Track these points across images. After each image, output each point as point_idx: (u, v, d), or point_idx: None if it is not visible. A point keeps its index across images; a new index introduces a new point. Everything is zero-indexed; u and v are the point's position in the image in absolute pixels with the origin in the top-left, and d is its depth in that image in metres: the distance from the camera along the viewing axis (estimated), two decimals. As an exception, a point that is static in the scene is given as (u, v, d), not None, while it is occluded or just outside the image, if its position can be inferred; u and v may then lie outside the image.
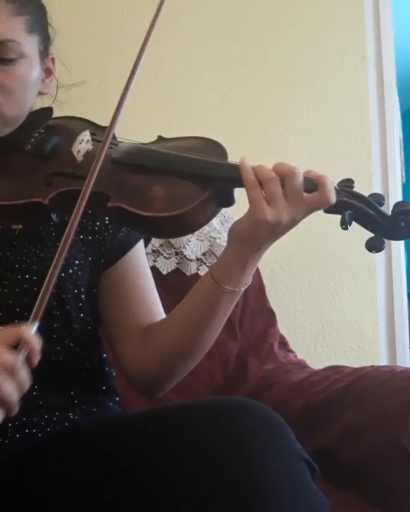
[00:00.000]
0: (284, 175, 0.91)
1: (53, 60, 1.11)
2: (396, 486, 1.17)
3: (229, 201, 0.96)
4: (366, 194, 0.94)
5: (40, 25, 1.06)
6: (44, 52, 1.08)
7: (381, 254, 2.09)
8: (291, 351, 1.72)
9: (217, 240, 1.66)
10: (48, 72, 1.10)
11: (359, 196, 0.94)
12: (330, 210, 0.94)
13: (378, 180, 2.10)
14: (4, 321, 0.98)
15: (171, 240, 1.64)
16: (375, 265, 2.06)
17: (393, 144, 2.14)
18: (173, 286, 1.53)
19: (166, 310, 1.11)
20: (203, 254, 1.66)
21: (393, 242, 2.10)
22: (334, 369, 1.47)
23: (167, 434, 0.84)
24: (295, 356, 1.70)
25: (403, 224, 0.92)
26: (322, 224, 1.92)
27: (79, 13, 1.88)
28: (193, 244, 1.65)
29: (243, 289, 1.00)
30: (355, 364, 1.50)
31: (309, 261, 2.01)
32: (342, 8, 2.11)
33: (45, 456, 0.94)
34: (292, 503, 0.77)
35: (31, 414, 1.01)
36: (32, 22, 1.03)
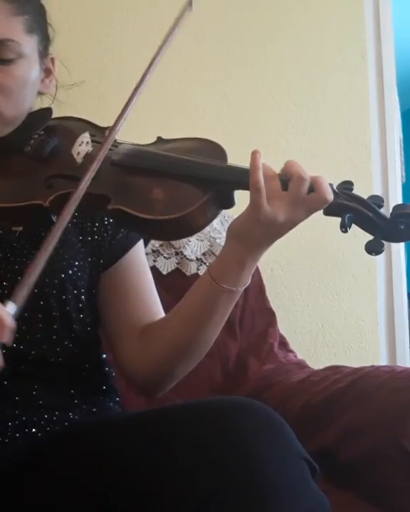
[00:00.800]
0: (292, 177, 0.91)
1: (52, 60, 1.11)
2: (396, 486, 1.17)
3: (229, 203, 0.96)
4: (365, 196, 0.94)
5: (40, 25, 1.06)
6: (43, 53, 1.07)
7: (381, 255, 2.09)
8: (291, 351, 1.72)
9: (217, 240, 1.67)
10: (47, 72, 1.10)
11: (358, 199, 0.93)
12: (330, 212, 0.94)
13: (378, 180, 2.10)
14: None
15: (171, 240, 1.64)
16: (375, 265, 2.07)
17: (393, 144, 2.14)
18: (173, 286, 1.53)
19: (167, 310, 1.11)
20: (203, 254, 1.66)
21: (394, 243, 2.10)
22: (334, 369, 1.47)
23: (167, 434, 0.84)
24: (295, 356, 1.70)
25: (402, 227, 0.92)
26: (322, 224, 1.92)
27: (79, 13, 1.88)
28: (193, 244, 1.65)
29: (241, 289, 1.00)
30: (355, 364, 1.50)
31: (309, 261, 2.01)
32: (342, 8, 2.11)
33: (45, 455, 0.94)
34: (292, 503, 0.77)
35: (31, 414, 1.01)
36: (31, 22, 1.03)
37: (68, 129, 1.04)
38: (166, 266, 1.63)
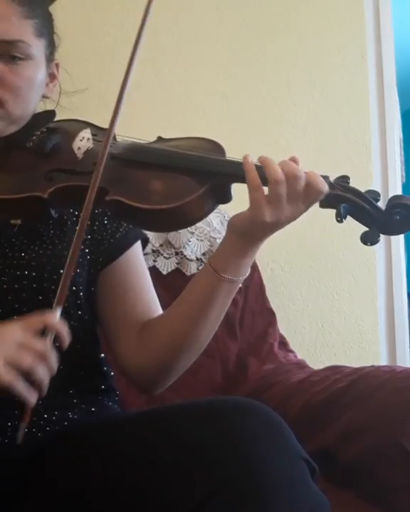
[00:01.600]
0: (288, 177, 0.92)
1: (57, 65, 1.14)
2: (396, 486, 1.17)
3: (226, 197, 0.97)
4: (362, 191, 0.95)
5: (47, 30, 1.09)
6: (50, 57, 1.10)
7: (381, 255, 2.09)
8: (291, 351, 1.72)
9: (217, 240, 1.67)
10: (52, 76, 1.13)
11: (353, 190, 0.95)
12: (326, 204, 0.95)
13: (378, 180, 2.10)
14: (3, 317, 0.99)
15: (171, 240, 1.64)
16: (375, 265, 2.06)
17: (393, 144, 2.14)
18: (173, 286, 1.53)
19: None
20: (203, 254, 1.66)
21: (394, 242, 2.11)
22: (334, 369, 1.47)
23: (167, 434, 0.84)
24: (295, 356, 1.70)
25: (398, 217, 0.93)
26: (322, 224, 1.92)
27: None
28: (193, 244, 1.66)
29: (241, 279, 1.01)
30: (355, 364, 1.50)
31: (309, 261, 2.01)
32: (342, 8, 2.11)
33: (45, 455, 0.95)
34: (292, 503, 0.77)
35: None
36: (40, 26, 1.06)
37: (70, 127, 1.07)
38: (166, 266, 1.63)
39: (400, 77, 2.27)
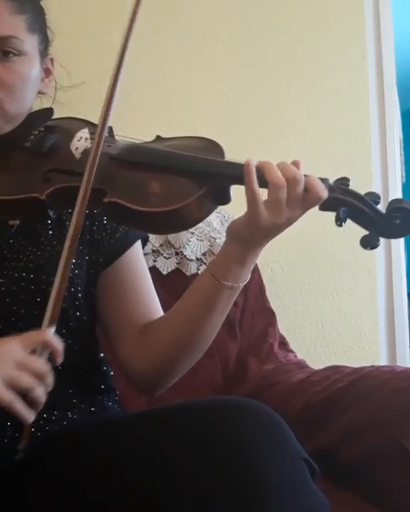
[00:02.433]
0: (288, 181, 0.91)
1: (51, 60, 1.13)
2: (396, 486, 1.17)
3: (225, 199, 0.97)
4: (362, 194, 0.95)
5: (40, 25, 1.08)
6: (43, 52, 1.09)
7: (381, 255, 2.09)
8: (291, 351, 1.72)
9: (217, 240, 1.66)
10: (47, 72, 1.12)
11: (353, 193, 0.94)
12: (325, 207, 0.94)
13: (378, 180, 2.10)
14: (1, 318, 0.99)
15: (171, 240, 1.64)
16: (375, 265, 2.06)
17: (393, 144, 2.14)
18: (173, 286, 1.53)
19: (166, 310, 1.11)
20: (203, 254, 1.66)
21: (394, 243, 2.11)
22: (334, 369, 1.47)
23: (167, 434, 0.84)
24: (295, 356, 1.70)
25: (398, 221, 0.92)
26: (322, 224, 1.92)
27: (77, 14, 1.88)
28: (193, 244, 1.65)
29: (241, 285, 1.01)
30: (355, 364, 1.50)
31: (309, 261, 2.01)
32: (342, 8, 2.11)
33: (44, 455, 0.94)
34: (292, 503, 0.77)
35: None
36: (32, 21, 1.05)
37: (68, 126, 1.06)
38: (166, 266, 1.63)
39: (400, 77, 2.27)
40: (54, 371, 1.04)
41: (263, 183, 0.92)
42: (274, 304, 1.78)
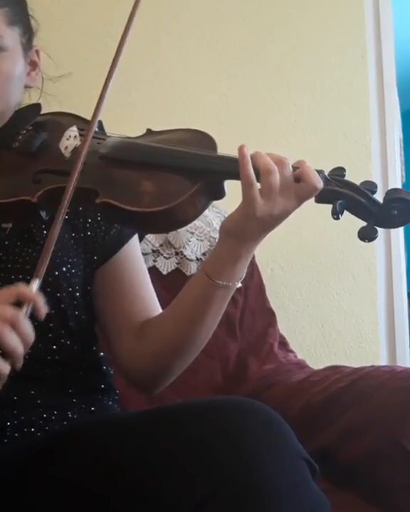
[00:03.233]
0: (277, 165, 0.91)
1: (37, 52, 1.09)
2: (396, 486, 1.17)
3: (219, 194, 0.95)
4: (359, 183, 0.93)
5: (21, 17, 1.04)
6: (27, 45, 1.05)
7: (381, 254, 2.09)
8: (291, 351, 1.72)
9: (217, 240, 1.66)
10: (33, 64, 1.08)
11: (350, 184, 0.93)
12: (321, 199, 0.93)
13: (378, 180, 2.10)
14: None
15: (171, 240, 1.64)
16: (375, 265, 2.06)
17: (393, 144, 2.14)
18: (173, 286, 1.53)
19: (166, 309, 1.11)
20: (203, 254, 1.66)
21: (394, 242, 2.10)
22: (334, 369, 1.47)
23: (167, 434, 0.84)
24: (295, 356, 1.70)
25: (395, 212, 0.91)
26: (322, 224, 1.92)
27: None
28: (193, 244, 1.65)
29: (237, 284, 1.00)
30: (355, 364, 1.50)
31: (309, 261, 2.01)
32: (342, 8, 2.11)
33: (44, 455, 0.94)
34: (292, 503, 0.77)
35: (29, 413, 1.01)
36: (11, 14, 1.01)
37: (57, 123, 1.03)
38: (166, 266, 1.63)
39: (400, 77, 2.27)
40: (54, 371, 1.04)
41: (255, 172, 0.90)
42: (274, 304, 1.78)
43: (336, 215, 0.91)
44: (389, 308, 2.09)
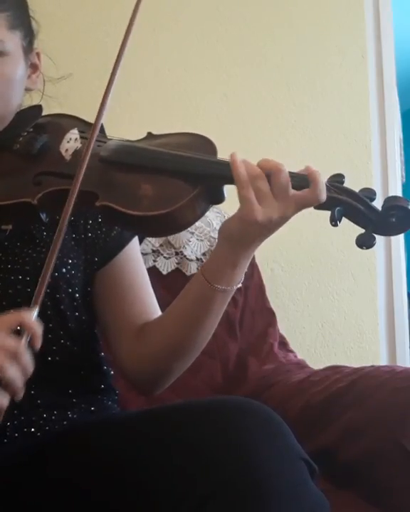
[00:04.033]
0: (269, 171, 0.90)
1: (38, 54, 1.09)
2: (396, 486, 1.17)
3: (219, 198, 0.95)
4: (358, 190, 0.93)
5: (22, 20, 1.04)
6: (28, 48, 1.05)
7: (381, 255, 2.09)
8: (291, 351, 1.72)
9: (216, 242, 1.66)
10: (33, 67, 1.08)
11: (349, 192, 0.93)
12: (320, 206, 0.92)
13: (378, 180, 2.10)
14: None
15: (171, 240, 1.64)
16: (375, 265, 2.06)
17: (393, 144, 2.14)
18: (173, 286, 1.53)
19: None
20: (203, 254, 1.66)
21: (394, 243, 2.11)
22: (334, 369, 1.47)
23: (167, 434, 0.84)
24: (295, 356, 1.70)
25: (394, 219, 0.91)
26: (322, 224, 1.91)
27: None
28: (193, 244, 1.65)
29: (235, 287, 0.99)
30: (355, 364, 1.50)
31: (309, 261, 2.01)
32: (342, 8, 2.11)
33: (44, 455, 0.94)
34: (291, 503, 0.77)
35: (30, 414, 1.01)
36: (13, 18, 1.00)
37: (57, 125, 1.03)
38: (166, 266, 1.63)
39: (400, 77, 2.27)
40: (54, 371, 1.04)
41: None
42: (274, 304, 1.78)
43: (334, 221, 0.91)
44: (389, 309, 2.10)
